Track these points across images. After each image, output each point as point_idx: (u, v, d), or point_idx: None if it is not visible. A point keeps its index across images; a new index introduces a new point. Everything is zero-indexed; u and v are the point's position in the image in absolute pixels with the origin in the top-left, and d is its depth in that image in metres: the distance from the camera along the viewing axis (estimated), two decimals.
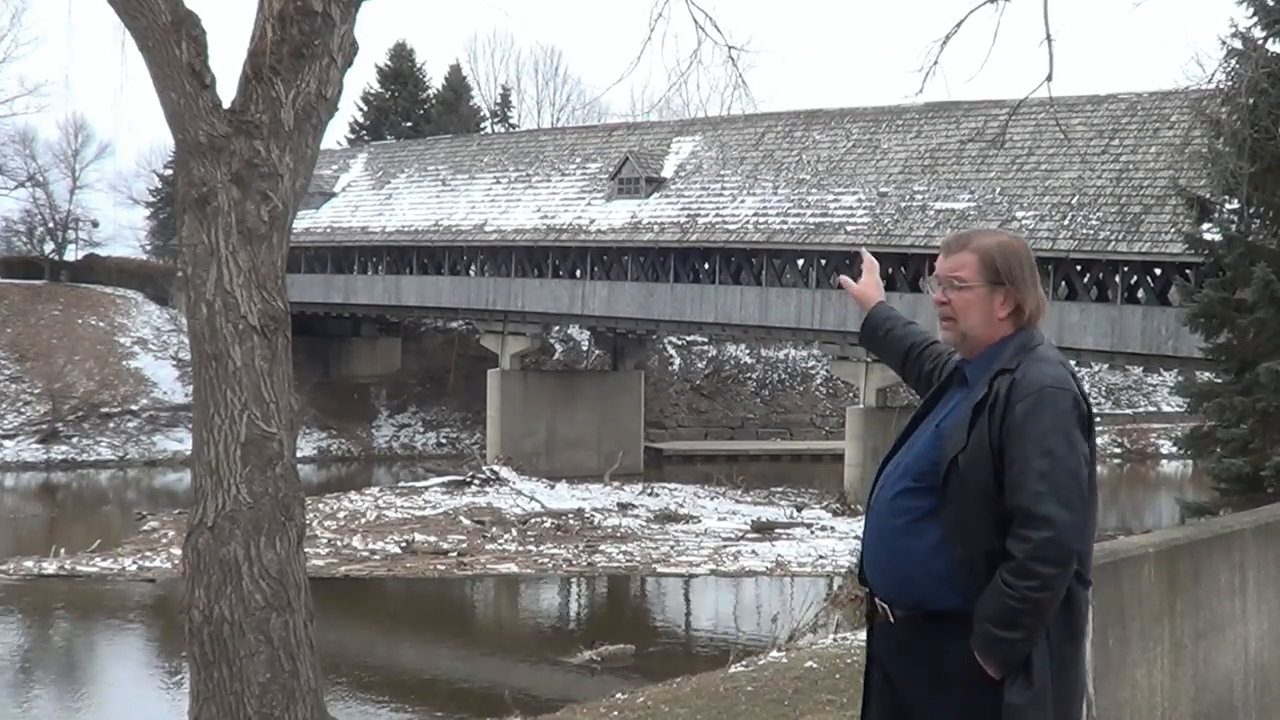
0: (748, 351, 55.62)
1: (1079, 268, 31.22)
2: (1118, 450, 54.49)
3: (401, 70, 63.19)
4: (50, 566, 27.01)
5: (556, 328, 49.25)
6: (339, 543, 29.25)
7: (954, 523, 3.26)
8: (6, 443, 44.17)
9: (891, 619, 3.41)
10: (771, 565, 27.61)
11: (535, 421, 43.91)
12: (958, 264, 3.47)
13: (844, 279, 4.19)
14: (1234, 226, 19.92)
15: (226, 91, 5.99)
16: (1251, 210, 19.83)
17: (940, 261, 3.54)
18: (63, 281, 53.31)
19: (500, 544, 29.68)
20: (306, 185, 6.26)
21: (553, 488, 37.51)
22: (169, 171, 56.38)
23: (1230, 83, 18.98)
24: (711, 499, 37.53)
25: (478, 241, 44.57)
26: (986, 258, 3.44)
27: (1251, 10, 19.31)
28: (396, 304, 47.79)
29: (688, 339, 53.36)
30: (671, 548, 29.60)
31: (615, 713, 9.09)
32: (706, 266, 39.11)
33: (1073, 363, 48.81)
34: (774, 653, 11.70)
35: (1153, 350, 29.43)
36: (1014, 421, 3.20)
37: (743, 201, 38.36)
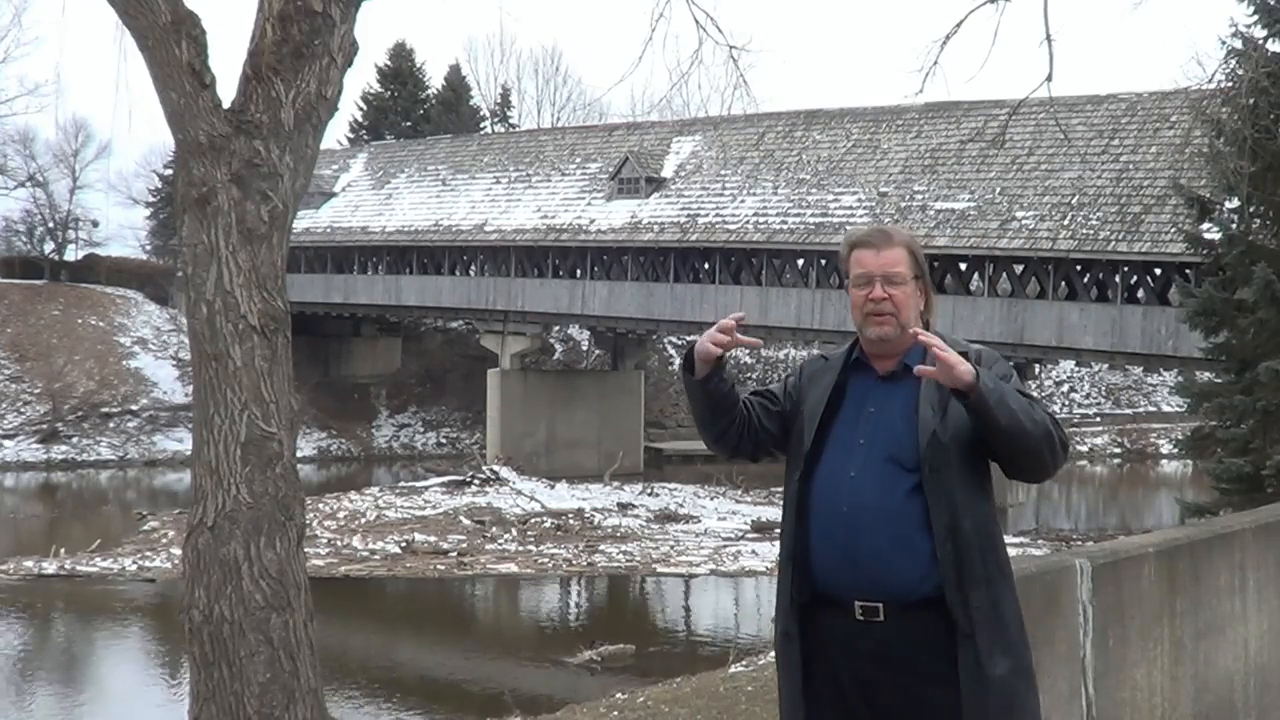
0: (748, 351, 55.63)
1: (1079, 268, 31.21)
2: (1118, 450, 54.52)
3: (401, 70, 63.21)
4: (50, 566, 27.00)
5: (556, 328, 49.26)
6: (339, 543, 29.25)
7: (940, 493, 3.33)
8: (6, 443, 44.18)
9: (882, 617, 3.35)
10: (771, 565, 27.58)
11: (535, 421, 43.92)
12: (895, 259, 3.50)
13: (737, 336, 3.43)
14: (1234, 226, 19.93)
15: (226, 91, 5.99)
16: (1252, 210, 19.84)
17: (869, 257, 3.50)
18: (63, 281, 53.34)
19: (500, 544, 29.68)
20: (306, 185, 6.26)
21: (553, 488, 37.51)
22: (169, 171, 56.39)
23: (1230, 82, 18.99)
24: (711, 499, 37.53)
25: (478, 241, 44.58)
26: (913, 251, 3.54)
27: (1252, 10, 19.32)
28: (396, 304, 47.80)
29: (688, 339, 53.33)
30: (671, 548, 29.61)
31: (615, 713, 9.09)
32: (706, 266, 39.11)
33: (1073, 363, 48.89)
34: (774, 653, 11.69)
35: (1153, 350, 29.43)
36: (997, 377, 3.41)
37: (743, 201, 38.37)
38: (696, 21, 8.98)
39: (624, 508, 34.62)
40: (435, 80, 65.42)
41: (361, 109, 63.66)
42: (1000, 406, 3.25)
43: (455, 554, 28.15)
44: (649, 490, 38.35)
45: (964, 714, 3.30)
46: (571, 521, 32.31)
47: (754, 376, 55.20)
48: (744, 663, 10.99)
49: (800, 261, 36.80)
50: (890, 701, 3.38)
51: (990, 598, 3.35)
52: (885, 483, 3.38)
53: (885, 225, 3.64)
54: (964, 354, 3.44)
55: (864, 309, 3.50)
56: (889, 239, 3.53)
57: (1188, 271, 25.17)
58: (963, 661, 3.30)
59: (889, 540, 3.35)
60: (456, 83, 65.66)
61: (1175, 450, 40.71)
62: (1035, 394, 3.51)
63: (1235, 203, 20.15)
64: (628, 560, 28.32)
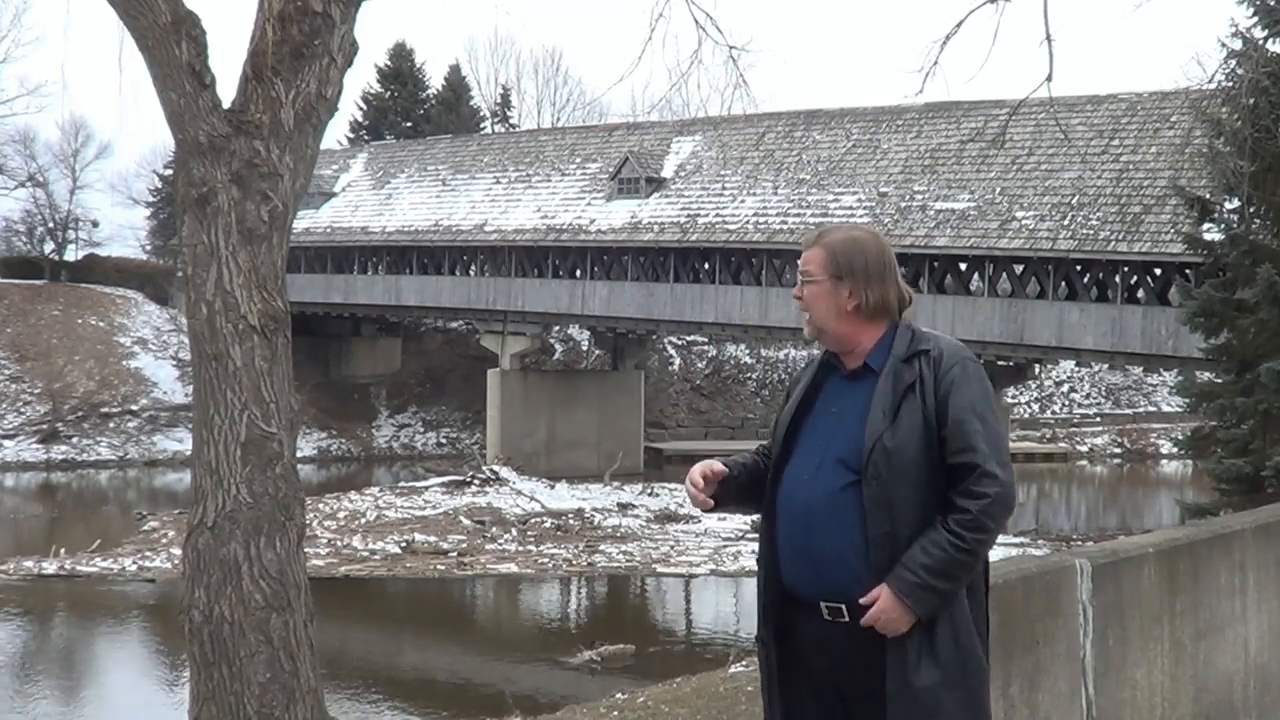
0: (748, 351, 55.63)
1: (1079, 268, 31.21)
2: (1118, 450, 54.51)
3: (401, 70, 63.20)
4: (50, 566, 27.00)
5: (556, 328, 49.25)
6: (339, 543, 29.24)
7: (879, 502, 3.30)
8: (6, 443, 44.17)
9: (847, 618, 3.36)
10: None
11: (535, 421, 43.91)
12: (807, 259, 3.58)
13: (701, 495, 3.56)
14: (1235, 226, 19.93)
15: (226, 91, 5.99)
16: (1252, 210, 19.85)
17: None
18: (63, 281, 53.32)
19: (500, 544, 29.68)
20: (306, 185, 6.26)
21: (553, 488, 37.50)
22: (169, 171, 56.39)
23: (1230, 83, 19.00)
24: None
25: (478, 241, 44.57)
26: (830, 252, 3.54)
27: (1251, 10, 19.33)
28: (396, 304, 47.79)
29: (688, 339, 53.35)
30: (671, 548, 29.61)
31: (615, 713, 9.08)
32: (706, 266, 39.11)
33: (1073, 363, 48.86)
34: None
35: (1153, 350, 29.42)
36: (947, 388, 3.35)
37: (743, 201, 38.36)
38: (696, 21, 8.97)
39: (624, 508, 34.62)
40: (435, 80, 65.49)
41: (361, 109, 63.67)
42: (944, 603, 3.26)
43: (455, 554, 28.15)
44: (649, 490, 38.34)
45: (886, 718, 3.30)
46: (571, 521, 32.31)
47: (754, 376, 55.22)
48: (744, 663, 10.97)
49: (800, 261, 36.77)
50: (863, 701, 3.38)
51: None
52: (834, 484, 3.38)
53: (828, 226, 3.69)
54: (925, 352, 3.41)
55: None
56: (811, 240, 3.60)
57: (1188, 272, 25.18)
58: (890, 668, 3.29)
59: (839, 542, 3.35)
60: (456, 83, 65.65)
61: (1175, 450, 40.72)
62: (980, 429, 3.30)
63: (1235, 203, 20.15)
64: (628, 560, 28.32)
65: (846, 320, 3.52)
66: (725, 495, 3.61)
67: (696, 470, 3.54)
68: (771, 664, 3.52)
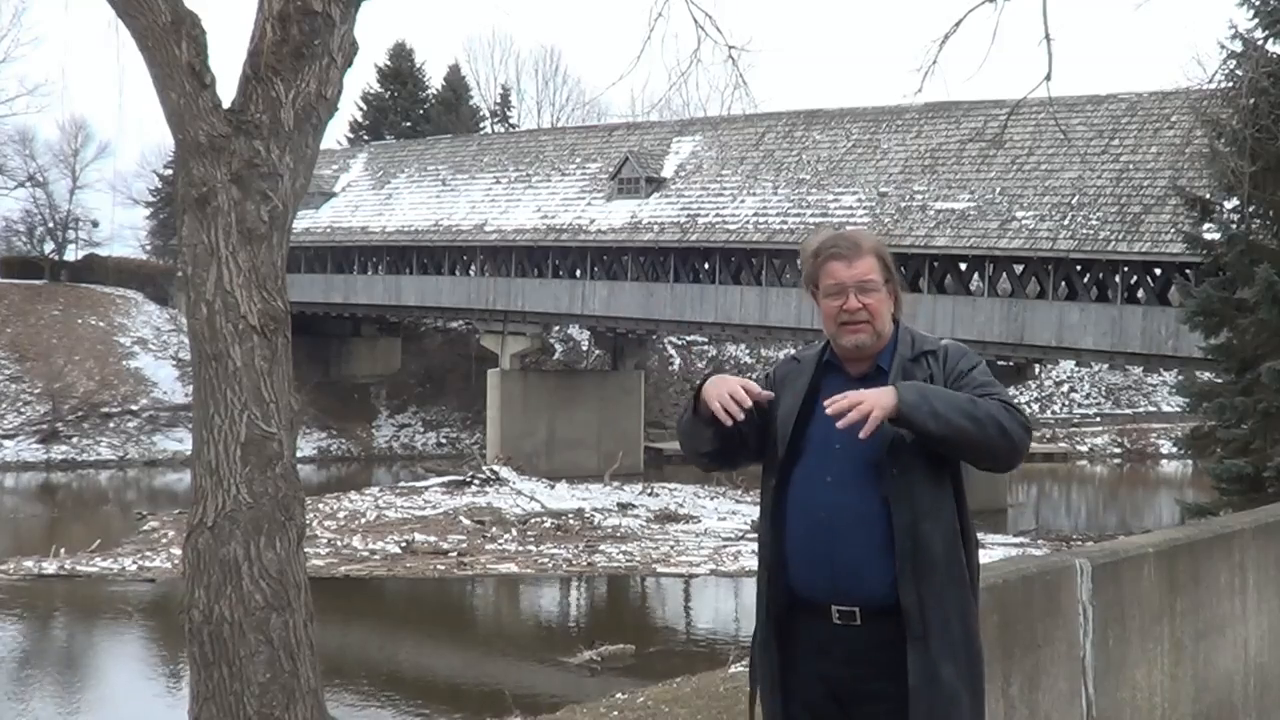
0: (748, 351, 55.62)
1: (1079, 268, 31.21)
2: (1118, 450, 54.52)
3: (401, 70, 63.22)
4: (50, 566, 27.00)
5: (556, 328, 49.26)
6: (339, 543, 29.24)
7: (901, 495, 3.33)
8: (6, 443, 44.17)
9: (859, 621, 3.37)
10: None
11: (535, 421, 43.92)
12: (867, 268, 3.52)
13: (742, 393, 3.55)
14: (1234, 226, 19.95)
15: (226, 91, 5.98)
16: (1252, 209, 19.87)
17: (841, 269, 3.51)
18: (63, 281, 53.34)
19: (500, 544, 29.68)
20: (306, 185, 6.25)
21: (553, 488, 37.50)
22: (169, 171, 56.41)
23: (1230, 83, 19.03)
24: (711, 499, 37.53)
25: (478, 241, 44.58)
26: (882, 257, 3.56)
27: (1251, 12, 19.35)
28: (396, 304, 47.81)
29: (688, 339, 53.36)
30: (671, 548, 29.60)
31: (615, 713, 9.08)
32: (706, 266, 39.12)
33: (1073, 363, 48.82)
34: (749, 661, 11.67)
35: (1153, 350, 29.43)
36: (958, 375, 3.45)
37: (743, 201, 38.37)
38: (695, 21, 8.95)
39: (624, 508, 34.62)
40: (435, 80, 65.52)
41: (361, 109, 63.67)
42: (932, 418, 3.27)
43: (455, 554, 28.14)
44: (649, 490, 38.35)
45: (910, 714, 3.31)
46: (571, 521, 32.30)
47: (754, 376, 55.07)
48: (744, 663, 10.98)
49: (800, 261, 36.77)
50: (864, 704, 3.39)
51: (943, 603, 3.35)
52: (862, 488, 3.38)
53: (851, 232, 3.67)
54: (931, 351, 3.50)
55: (838, 319, 3.52)
56: (859, 249, 3.54)
57: (1188, 271, 25.19)
58: (912, 662, 3.30)
59: (866, 546, 3.35)
60: (456, 83, 65.68)
61: (1175, 450, 40.74)
62: (996, 385, 3.47)
63: (1235, 203, 20.17)
64: (628, 560, 28.32)
65: (890, 322, 3.57)
66: (729, 434, 3.54)
67: (737, 386, 3.52)
68: (773, 668, 3.52)
